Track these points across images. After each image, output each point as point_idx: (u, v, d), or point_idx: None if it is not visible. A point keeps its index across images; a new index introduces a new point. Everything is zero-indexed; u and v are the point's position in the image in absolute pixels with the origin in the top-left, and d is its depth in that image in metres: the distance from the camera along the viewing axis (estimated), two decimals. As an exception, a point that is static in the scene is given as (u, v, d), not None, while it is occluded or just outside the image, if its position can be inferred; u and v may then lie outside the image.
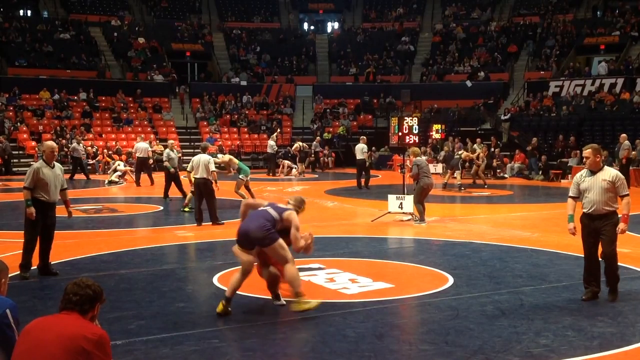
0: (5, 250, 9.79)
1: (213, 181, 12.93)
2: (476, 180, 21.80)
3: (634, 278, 8.26)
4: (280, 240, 6.43)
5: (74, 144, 24.79)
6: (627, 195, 6.94)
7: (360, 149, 20.34)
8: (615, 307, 6.82)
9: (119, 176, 23.19)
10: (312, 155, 29.59)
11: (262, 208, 6.69)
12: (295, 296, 6.45)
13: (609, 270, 7.03)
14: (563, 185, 22.00)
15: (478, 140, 24.69)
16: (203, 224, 12.76)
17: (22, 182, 8.34)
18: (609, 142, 24.31)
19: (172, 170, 16.57)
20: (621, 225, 6.86)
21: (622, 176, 7.01)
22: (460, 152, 22.35)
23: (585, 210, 7.04)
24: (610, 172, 6.98)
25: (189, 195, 14.86)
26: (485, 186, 21.02)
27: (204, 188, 12.70)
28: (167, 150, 16.93)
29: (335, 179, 25.58)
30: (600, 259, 7.08)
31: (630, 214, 7.02)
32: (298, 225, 6.57)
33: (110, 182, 22.53)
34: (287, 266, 6.44)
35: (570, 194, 7.22)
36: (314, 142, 29.94)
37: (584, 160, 7.10)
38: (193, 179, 13.28)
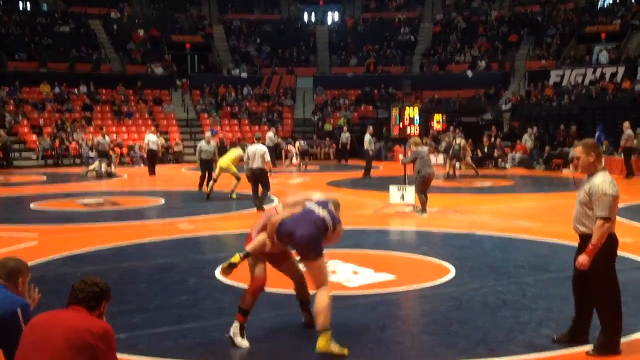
0: (5, 245, 9.80)
1: (268, 171, 13.70)
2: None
3: (636, 268, 8.27)
4: (324, 260, 5.45)
5: (99, 138, 24.37)
6: (603, 218, 5.04)
7: (367, 140, 20.97)
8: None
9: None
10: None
11: (317, 212, 5.46)
12: (321, 332, 5.26)
13: (600, 312, 5.35)
14: (564, 175, 21.98)
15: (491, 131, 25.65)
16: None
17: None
18: (611, 132, 24.28)
19: (200, 160, 17.27)
20: (580, 258, 5.13)
21: (605, 191, 5.08)
22: (459, 142, 22.32)
23: None
24: (592, 181, 5.17)
25: (235, 181, 15.65)
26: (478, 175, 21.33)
27: (260, 177, 13.46)
28: (202, 142, 17.54)
29: (337, 170, 25.57)
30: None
31: (623, 207, 5.66)
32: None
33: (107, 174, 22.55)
34: (321, 291, 5.35)
35: None
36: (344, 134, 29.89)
37: (576, 160, 5.40)
38: (249, 168, 13.70)
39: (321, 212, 5.46)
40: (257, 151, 13.42)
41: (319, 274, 5.36)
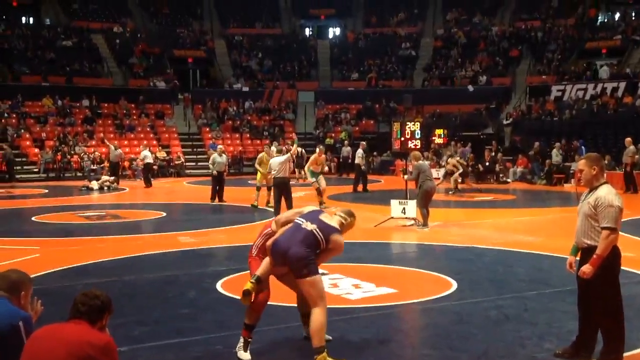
0: (8, 257, 9.79)
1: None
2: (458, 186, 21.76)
3: (638, 282, 8.25)
4: (318, 277, 5.33)
5: (112, 148, 24.72)
6: (609, 229, 5.03)
7: (359, 155, 21.52)
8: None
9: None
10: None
11: (306, 227, 5.39)
12: (316, 352, 5.24)
13: (603, 326, 5.35)
14: (566, 190, 21.98)
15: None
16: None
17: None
18: (612, 146, 24.32)
19: (214, 173, 17.80)
20: (584, 267, 5.12)
21: (612, 202, 5.08)
22: (450, 162, 22.47)
23: None
24: (597, 194, 5.16)
25: (259, 192, 16.64)
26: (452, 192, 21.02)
27: (282, 186, 14.17)
28: (215, 154, 18.23)
29: (338, 184, 25.56)
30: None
31: (619, 230, 5.20)
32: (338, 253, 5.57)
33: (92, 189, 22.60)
34: (315, 310, 5.26)
35: None
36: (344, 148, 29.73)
37: (579, 174, 5.44)
38: (272, 179, 14.60)
39: (309, 225, 5.40)
40: (277, 162, 14.34)
41: (314, 292, 5.25)
